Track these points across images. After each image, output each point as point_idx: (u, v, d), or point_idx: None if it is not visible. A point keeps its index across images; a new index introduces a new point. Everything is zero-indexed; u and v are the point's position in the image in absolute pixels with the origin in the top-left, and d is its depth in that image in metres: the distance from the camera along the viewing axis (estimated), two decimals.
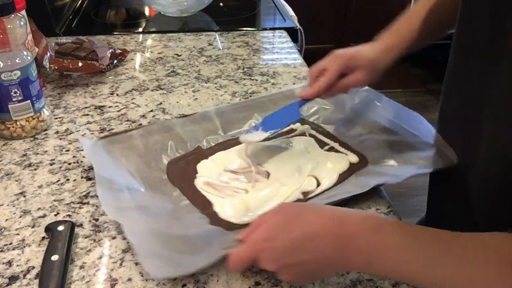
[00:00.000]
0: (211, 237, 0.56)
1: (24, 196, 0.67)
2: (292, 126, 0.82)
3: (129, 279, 0.54)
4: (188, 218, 0.61)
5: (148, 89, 0.98)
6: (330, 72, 0.73)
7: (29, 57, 0.77)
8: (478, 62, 0.59)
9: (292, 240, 0.44)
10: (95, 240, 0.59)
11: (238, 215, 0.62)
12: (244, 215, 0.62)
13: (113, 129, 0.83)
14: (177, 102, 0.92)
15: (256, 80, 1.01)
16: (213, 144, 0.78)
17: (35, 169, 0.73)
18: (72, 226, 0.58)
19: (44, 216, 0.63)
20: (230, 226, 0.61)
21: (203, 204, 0.64)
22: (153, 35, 1.30)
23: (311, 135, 0.80)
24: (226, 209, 0.63)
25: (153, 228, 0.56)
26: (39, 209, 0.64)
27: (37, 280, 0.53)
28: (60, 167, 0.73)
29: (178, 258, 0.52)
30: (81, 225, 0.62)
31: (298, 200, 0.65)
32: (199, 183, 0.69)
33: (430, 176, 0.75)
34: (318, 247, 0.43)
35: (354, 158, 0.73)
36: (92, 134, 0.82)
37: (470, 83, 0.61)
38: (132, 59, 1.13)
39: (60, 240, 0.56)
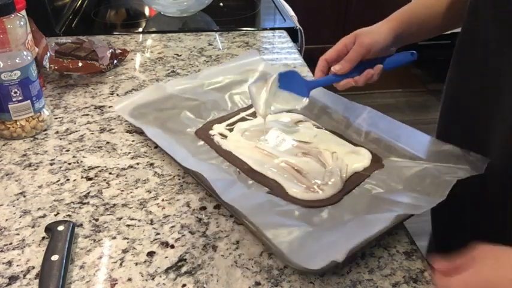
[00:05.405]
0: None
1: (24, 196, 0.67)
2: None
3: (129, 279, 0.54)
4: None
5: None
6: (352, 55, 0.73)
7: (29, 57, 0.77)
8: (493, 47, 0.59)
9: None
10: (95, 240, 0.59)
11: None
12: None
13: (113, 129, 0.83)
14: None
15: None
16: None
17: (35, 169, 0.73)
18: (72, 226, 0.58)
19: (44, 216, 0.63)
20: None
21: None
22: (153, 35, 1.30)
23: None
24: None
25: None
26: (39, 209, 0.64)
27: (37, 280, 0.53)
28: (60, 167, 0.73)
29: None
30: (81, 225, 0.62)
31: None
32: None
33: None
34: None
35: (368, 156, 0.73)
36: (92, 133, 0.82)
37: (482, 70, 0.61)
38: (132, 59, 1.13)
39: (60, 240, 0.56)
